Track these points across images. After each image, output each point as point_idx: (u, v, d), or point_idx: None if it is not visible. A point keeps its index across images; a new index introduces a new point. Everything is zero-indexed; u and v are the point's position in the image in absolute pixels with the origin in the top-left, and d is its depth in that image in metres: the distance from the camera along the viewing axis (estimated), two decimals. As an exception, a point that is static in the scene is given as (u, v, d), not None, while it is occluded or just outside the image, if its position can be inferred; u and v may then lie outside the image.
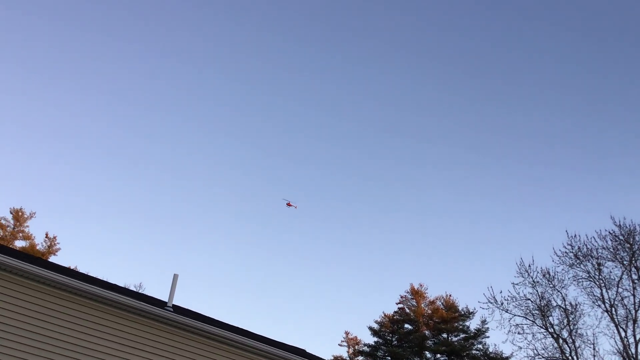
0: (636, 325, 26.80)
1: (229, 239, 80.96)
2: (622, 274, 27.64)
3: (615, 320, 27.43)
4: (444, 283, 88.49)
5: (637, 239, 27.47)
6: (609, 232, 28.08)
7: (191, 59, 79.10)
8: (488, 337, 49.39)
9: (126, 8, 74.36)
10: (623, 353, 26.69)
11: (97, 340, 12.22)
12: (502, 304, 30.09)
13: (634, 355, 26.23)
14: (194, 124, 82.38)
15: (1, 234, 44.81)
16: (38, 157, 74.78)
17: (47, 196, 71.24)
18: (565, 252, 28.96)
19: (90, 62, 76.43)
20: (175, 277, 15.26)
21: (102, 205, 76.43)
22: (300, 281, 79.08)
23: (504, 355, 42.51)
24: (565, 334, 28.69)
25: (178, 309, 14.61)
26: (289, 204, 53.88)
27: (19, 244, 45.55)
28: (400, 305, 54.00)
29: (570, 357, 27.97)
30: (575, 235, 29.03)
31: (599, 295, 28.08)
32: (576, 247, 28.71)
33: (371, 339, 53.13)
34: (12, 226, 45.97)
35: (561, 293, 29.15)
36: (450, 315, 50.71)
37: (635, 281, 27.29)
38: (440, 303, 52.77)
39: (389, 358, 51.22)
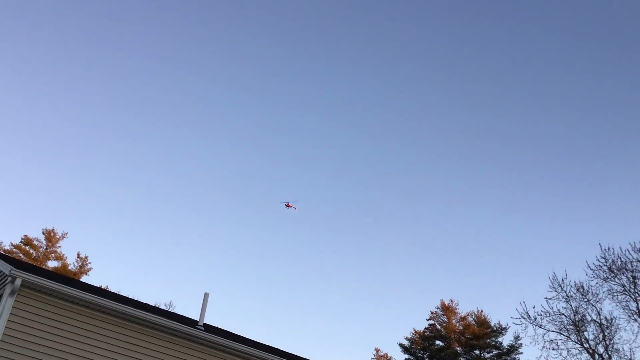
0: (674, 339, 26.06)
1: (257, 257, 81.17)
2: (659, 287, 26.96)
3: (653, 334, 26.72)
4: (475, 298, 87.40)
5: (673, 250, 26.78)
6: (644, 245, 27.41)
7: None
8: (521, 353, 48.54)
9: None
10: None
11: (130, 360, 12.30)
12: (535, 319, 29.55)
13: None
14: (220, 139, 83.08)
15: (34, 254, 45.52)
16: (69, 177, 76.06)
17: (77, 216, 72.30)
18: (599, 265, 28.34)
19: (123, 83, 77.77)
20: (205, 295, 15.32)
21: (131, 224, 77.33)
22: (330, 298, 78.80)
23: (538, 372, 41.66)
24: (601, 349, 28.02)
25: (209, 328, 14.66)
26: (287, 205, 52.23)
27: (52, 264, 46.23)
28: (431, 322, 53.38)
29: (606, 373, 27.29)
30: (609, 249, 28.42)
31: (635, 309, 27.41)
32: (610, 260, 28.10)
33: (402, 356, 52.60)
34: (45, 247, 46.68)
35: (596, 307, 28.53)
36: (482, 331, 49.97)
37: (672, 294, 26.58)
38: (471, 319, 52.05)
39: (421, 375, 50.60)
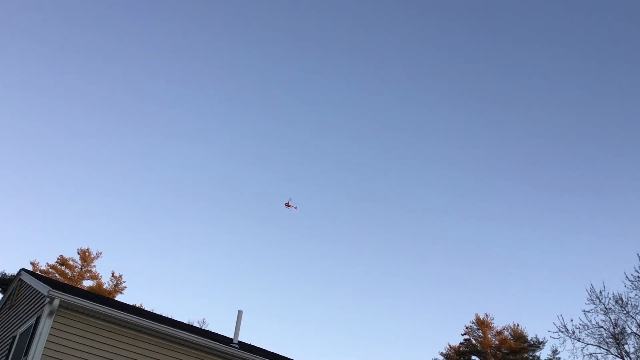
0: None
1: (290, 274, 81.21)
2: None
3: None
4: (510, 312, 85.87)
5: None
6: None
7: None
8: (560, 367, 47.52)
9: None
10: None
11: (166, 379, 12.37)
12: (573, 332, 28.92)
13: None
14: (245, 161, 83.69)
15: (70, 274, 46.23)
16: (102, 197, 77.27)
17: (111, 235, 73.31)
18: (638, 276, 27.72)
19: (161, 110, 79.02)
20: (239, 313, 15.37)
21: (163, 242, 78.13)
22: (362, 313, 78.33)
23: (578, 386, 40.75)
24: (642, 362, 27.31)
25: (244, 345, 14.67)
26: (287, 205, 49.51)
27: (87, 283, 46.88)
28: (466, 336, 52.66)
29: (649, 387, 26.55)
30: (648, 259, 27.77)
31: (677, 321, 26.69)
32: (650, 271, 27.45)
33: (437, 372, 51.89)
34: (80, 266, 47.39)
35: (636, 319, 27.83)
36: (519, 346, 49.13)
37: None
38: (507, 333, 51.23)
39: (457, 391, 49.84)
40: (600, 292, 28.78)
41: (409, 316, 76.69)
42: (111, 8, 73.52)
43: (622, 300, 28.12)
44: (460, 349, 51.99)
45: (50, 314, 11.25)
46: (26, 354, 11.08)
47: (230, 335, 15.58)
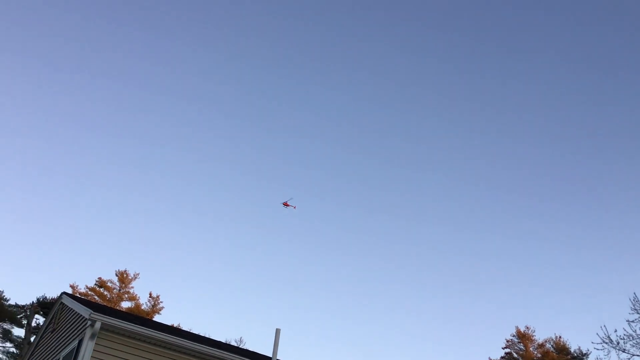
0: None
1: (327, 291, 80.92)
2: None
3: None
4: (551, 324, 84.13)
5: None
6: None
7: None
8: (605, 379, 46.25)
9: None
10: None
11: (206, 399, 12.38)
12: (618, 343, 28.16)
13: None
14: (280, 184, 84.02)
15: (109, 296, 46.83)
16: (138, 219, 78.29)
17: (147, 255, 74.12)
18: (684, 284, 26.95)
19: (201, 133, 80.00)
20: (277, 331, 15.27)
21: (198, 260, 78.67)
22: (399, 328, 77.55)
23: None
24: (692, 373, 26.41)
25: (282, 364, 14.60)
26: (285, 204, 47.44)
27: (125, 304, 47.39)
28: (507, 350, 51.72)
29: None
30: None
31: None
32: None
33: (478, 387, 51.02)
34: (118, 288, 47.97)
35: (683, 329, 26.99)
36: (562, 358, 48.02)
37: None
38: (550, 345, 50.16)
39: (499, 406, 48.85)
40: (645, 301, 28.04)
41: (447, 328, 75.67)
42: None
43: (668, 309, 27.35)
44: (502, 362, 51.09)
45: (92, 336, 11.38)
46: (69, 376, 11.22)
47: (269, 354, 15.56)
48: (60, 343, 13.79)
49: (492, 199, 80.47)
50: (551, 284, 72.30)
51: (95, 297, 46.03)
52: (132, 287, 48.58)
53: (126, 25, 77.70)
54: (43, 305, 47.90)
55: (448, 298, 77.71)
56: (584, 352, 47.94)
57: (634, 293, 29.12)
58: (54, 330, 15.27)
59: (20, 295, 73.44)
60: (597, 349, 28.80)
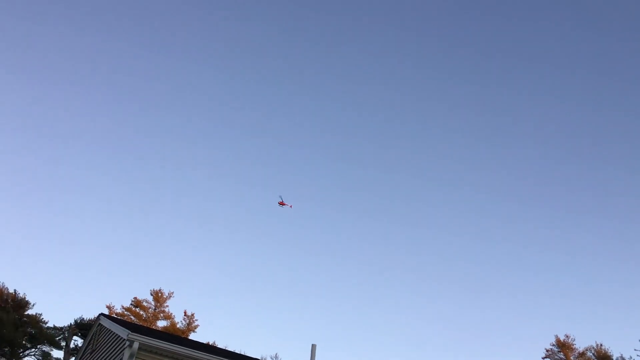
0: None
1: (361, 306, 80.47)
2: None
3: None
4: (592, 332, 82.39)
5: None
6: None
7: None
8: (650, 387, 44.93)
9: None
10: None
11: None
12: (662, 350, 27.48)
13: None
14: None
15: (144, 315, 47.21)
16: (172, 238, 78.95)
17: (182, 274, 74.68)
18: None
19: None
20: (313, 347, 15.23)
21: (232, 278, 78.93)
22: (437, 337, 76.63)
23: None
24: None
25: (320, 380, 14.48)
26: (281, 204, 46.85)
27: (161, 323, 47.75)
28: (547, 359, 50.68)
29: None
30: None
31: None
32: None
33: (519, 398, 50.01)
34: (154, 307, 48.35)
35: None
36: (603, 367, 46.87)
37: None
38: (591, 354, 48.98)
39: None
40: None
41: (490, 344, 74.62)
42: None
43: None
44: (542, 372, 50.04)
45: (131, 356, 11.46)
46: (110, 397, 11.30)
47: (306, 370, 15.44)
48: (100, 364, 13.90)
49: (535, 213, 79.46)
50: (591, 292, 70.90)
51: (132, 317, 46.44)
52: (167, 306, 48.95)
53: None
54: (81, 327, 48.49)
55: (489, 310, 76.72)
56: (627, 359, 46.72)
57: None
58: (93, 351, 15.42)
59: (58, 318, 74.65)
60: (640, 356, 28.21)
